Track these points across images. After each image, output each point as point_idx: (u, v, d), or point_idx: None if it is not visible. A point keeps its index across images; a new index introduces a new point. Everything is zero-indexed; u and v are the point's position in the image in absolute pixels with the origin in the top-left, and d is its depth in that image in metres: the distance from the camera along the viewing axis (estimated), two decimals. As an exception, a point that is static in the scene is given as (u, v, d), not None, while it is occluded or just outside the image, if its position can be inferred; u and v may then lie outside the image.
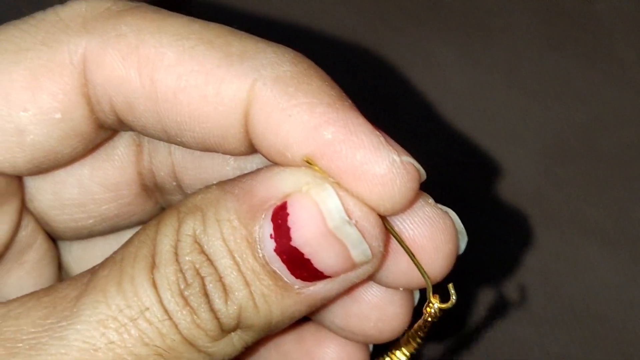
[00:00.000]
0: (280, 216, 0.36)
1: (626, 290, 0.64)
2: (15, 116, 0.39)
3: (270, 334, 0.39)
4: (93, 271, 0.38)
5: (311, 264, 0.37)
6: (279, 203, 0.37)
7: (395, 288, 0.42)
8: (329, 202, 0.36)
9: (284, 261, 0.37)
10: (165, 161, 0.45)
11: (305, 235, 0.36)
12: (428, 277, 0.40)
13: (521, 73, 0.71)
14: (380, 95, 0.71)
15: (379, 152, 0.37)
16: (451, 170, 0.68)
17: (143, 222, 0.47)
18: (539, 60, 0.71)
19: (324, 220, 0.36)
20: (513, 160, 0.68)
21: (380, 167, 0.37)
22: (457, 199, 0.68)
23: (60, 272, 0.48)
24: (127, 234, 0.45)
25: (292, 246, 0.36)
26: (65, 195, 0.44)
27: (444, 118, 0.70)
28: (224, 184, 0.38)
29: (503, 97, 0.70)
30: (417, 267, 0.39)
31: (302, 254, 0.37)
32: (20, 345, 0.36)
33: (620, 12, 0.72)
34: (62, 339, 0.36)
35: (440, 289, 0.40)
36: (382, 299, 0.43)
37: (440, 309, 0.40)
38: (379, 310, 0.43)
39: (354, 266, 0.38)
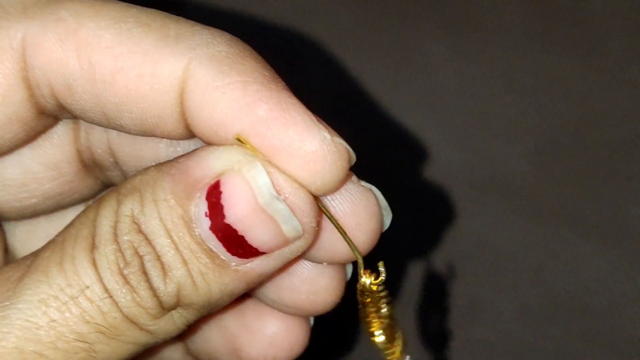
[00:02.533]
0: (214, 194, 0.37)
1: (620, 286, 0.64)
2: None
3: (211, 311, 0.40)
4: (36, 253, 0.39)
5: (245, 240, 0.38)
6: (212, 182, 0.37)
7: (319, 262, 0.43)
8: (259, 178, 0.37)
9: (219, 239, 0.38)
10: (101, 138, 0.45)
11: (237, 212, 0.37)
12: (359, 252, 0.40)
13: (516, 71, 0.71)
14: (374, 93, 0.71)
15: (310, 130, 0.37)
16: (445, 167, 0.68)
17: (86, 199, 0.49)
18: (533, 57, 0.71)
19: (255, 197, 0.37)
20: (507, 157, 0.68)
21: (312, 143, 0.37)
22: (452, 197, 0.68)
23: (7, 256, 0.48)
24: (70, 215, 0.46)
25: (226, 224, 0.37)
26: (6, 175, 0.45)
27: (438, 115, 0.70)
28: (162, 165, 0.39)
29: (497, 95, 0.70)
30: (348, 243, 0.40)
31: (236, 231, 0.37)
32: None
33: (615, 9, 0.72)
34: (4, 318, 0.37)
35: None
36: (313, 272, 0.44)
37: (372, 284, 0.41)
38: (309, 283, 0.44)
39: (286, 242, 0.38)
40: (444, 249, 0.66)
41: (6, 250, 0.49)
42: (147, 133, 0.41)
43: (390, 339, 0.44)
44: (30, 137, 0.43)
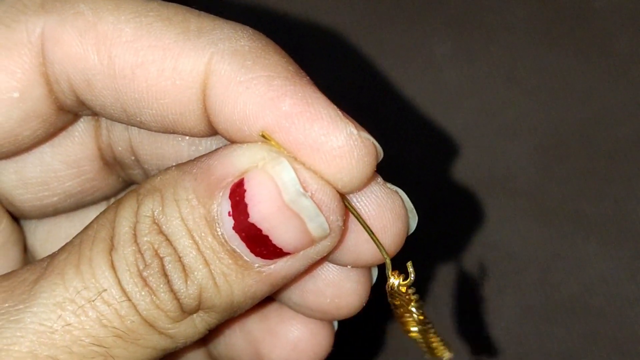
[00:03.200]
0: (237, 193, 0.36)
1: (625, 286, 0.63)
2: None
3: (233, 315, 0.39)
4: (52, 255, 0.38)
5: (270, 240, 0.37)
6: (236, 180, 0.36)
7: (344, 265, 0.42)
8: (284, 175, 0.36)
9: (242, 239, 0.36)
10: (122, 136, 0.45)
11: (262, 210, 0.36)
12: (387, 254, 0.39)
13: (519, 70, 0.71)
14: (376, 92, 0.71)
15: (337, 124, 0.36)
16: (448, 166, 0.68)
17: (108, 197, 0.48)
18: (536, 57, 0.71)
19: (280, 194, 0.36)
20: (511, 157, 0.68)
21: (338, 139, 0.36)
22: (455, 195, 0.68)
23: (26, 255, 0.48)
24: (92, 214, 0.45)
25: (250, 223, 0.36)
26: (27, 174, 0.44)
27: (441, 114, 0.70)
28: (183, 165, 0.38)
29: (501, 94, 0.70)
30: (376, 243, 0.39)
31: (260, 231, 0.36)
32: None
33: (619, 9, 0.72)
34: (18, 322, 0.36)
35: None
36: (338, 275, 0.43)
37: (400, 286, 0.40)
38: (334, 287, 0.43)
39: (312, 241, 0.37)
40: (446, 247, 0.66)
41: (25, 250, 0.48)
42: (168, 130, 0.40)
43: (426, 337, 0.43)
44: (49, 134, 0.43)
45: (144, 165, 0.45)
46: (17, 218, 0.47)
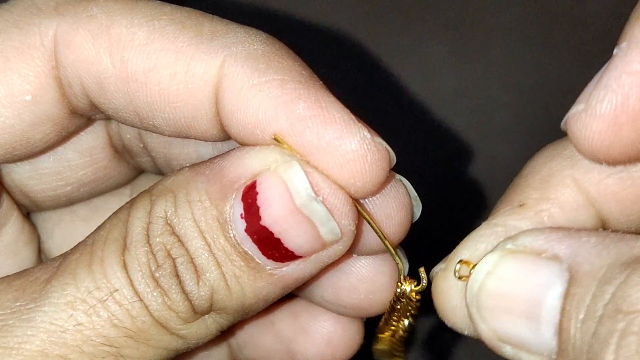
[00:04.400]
0: (249, 195, 0.36)
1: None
2: None
3: (245, 317, 0.39)
4: (65, 255, 0.38)
5: (282, 243, 0.37)
6: (248, 182, 0.36)
7: (371, 254, 0.42)
8: (296, 179, 0.36)
9: (254, 241, 0.37)
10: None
11: (274, 214, 0.36)
12: (400, 259, 0.40)
13: (515, 71, 0.71)
14: (374, 93, 0.71)
15: (350, 128, 0.36)
16: (444, 168, 0.68)
17: (119, 186, 0.48)
18: (533, 58, 0.71)
19: (292, 198, 0.36)
20: (506, 158, 0.68)
21: (352, 142, 0.36)
22: (450, 196, 0.68)
23: (41, 259, 0.48)
24: (107, 216, 0.46)
25: (262, 226, 0.36)
26: (41, 164, 0.45)
27: (438, 116, 0.70)
28: (196, 166, 0.38)
29: (496, 96, 0.70)
30: (388, 248, 0.39)
31: (272, 234, 0.36)
32: None
33: (614, 11, 0.72)
34: (30, 321, 0.36)
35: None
36: (371, 270, 0.43)
37: (412, 292, 0.40)
38: (368, 282, 0.43)
39: (324, 245, 0.37)
40: (444, 251, 0.66)
41: (40, 253, 0.48)
42: (180, 134, 0.40)
43: (392, 351, 0.43)
44: (62, 137, 0.42)
45: (152, 153, 0.45)
46: (29, 218, 0.47)
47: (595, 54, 0.71)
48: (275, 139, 0.37)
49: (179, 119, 0.39)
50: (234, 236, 0.37)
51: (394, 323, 0.42)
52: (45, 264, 0.38)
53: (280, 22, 0.73)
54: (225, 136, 0.40)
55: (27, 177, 0.45)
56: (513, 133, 0.69)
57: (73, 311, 0.36)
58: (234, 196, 0.37)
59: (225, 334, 0.45)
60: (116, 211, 0.39)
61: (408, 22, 0.72)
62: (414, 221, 0.41)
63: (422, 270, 0.40)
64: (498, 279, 0.34)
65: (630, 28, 0.32)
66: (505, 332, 0.33)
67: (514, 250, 0.35)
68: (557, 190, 0.37)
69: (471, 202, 0.67)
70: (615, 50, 0.33)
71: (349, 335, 0.46)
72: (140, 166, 0.47)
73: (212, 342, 0.47)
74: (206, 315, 0.38)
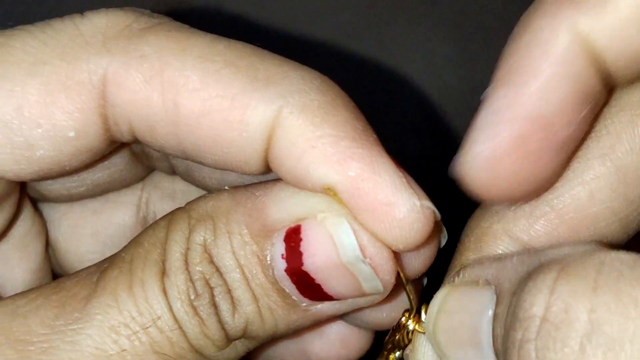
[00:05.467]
0: (293, 239, 0.37)
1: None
2: (26, 130, 0.38)
3: (273, 340, 0.40)
4: (101, 269, 0.38)
5: (322, 289, 0.37)
6: (292, 225, 0.37)
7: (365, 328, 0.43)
8: (344, 237, 0.37)
9: (293, 282, 0.37)
10: None
11: (317, 262, 0.37)
12: (414, 304, 0.40)
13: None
14: (376, 93, 0.70)
15: (401, 195, 0.37)
16: (447, 167, 0.68)
17: (133, 183, 0.48)
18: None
19: (337, 253, 0.37)
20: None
21: (401, 210, 0.37)
22: (453, 197, 0.69)
23: (47, 249, 0.47)
24: (118, 212, 0.46)
25: (303, 270, 0.37)
26: None
27: (440, 116, 0.70)
28: (237, 194, 0.38)
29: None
30: (409, 299, 0.40)
31: (313, 279, 0.37)
32: (32, 348, 0.36)
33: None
34: (74, 344, 0.36)
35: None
36: (345, 331, 0.44)
37: (415, 329, 0.41)
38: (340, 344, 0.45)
39: (364, 295, 0.38)
40: (444, 252, 0.66)
41: (48, 243, 0.47)
42: (225, 169, 0.40)
43: None
44: (97, 161, 0.42)
45: (173, 161, 0.45)
46: (37, 208, 0.47)
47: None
48: (327, 189, 0.37)
49: (229, 161, 0.39)
50: (273, 274, 0.37)
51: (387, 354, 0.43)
52: (81, 278, 0.38)
53: (283, 21, 0.72)
54: (268, 171, 0.40)
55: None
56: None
57: (117, 336, 0.36)
58: (276, 235, 0.37)
59: None
60: (152, 226, 0.39)
61: (411, 22, 0.72)
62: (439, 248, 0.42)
63: (424, 307, 0.40)
64: (446, 313, 0.36)
65: (498, 70, 0.34)
66: None
67: (457, 284, 0.36)
68: (490, 247, 0.38)
69: (472, 202, 0.68)
70: (482, 96, 0.35)
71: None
72: (155, 166, 0.47)
73: None
74: (238, 344, 0.39)
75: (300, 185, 0.38)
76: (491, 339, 0.33)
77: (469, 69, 0.71)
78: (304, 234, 0.37)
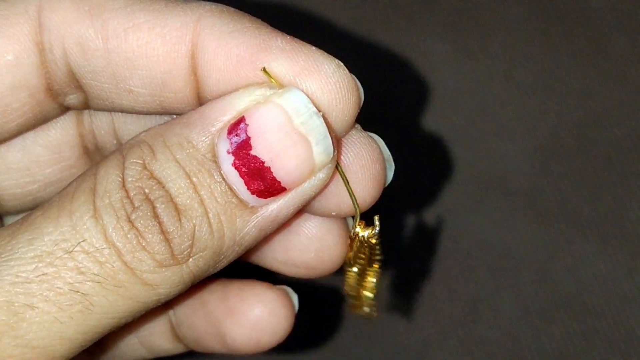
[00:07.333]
0: (237, 129, 0.37)
1: (622, 285, 0.63)
2: None
3: (218, 268, 0.39)
4: (29, 214, 0.38)
5: (270, 172, 0.37)
6: (233, 120, 0.37)
7: (328, 216, 0.43)
8: (295, 99, 0.37)
9: (241, 175, 0.37)
10: (106, 118, 0.46)
11: (268, 139, 0.37)
12: (358, 204, 0.41)
13: (516, 69, 0.71)
14: (374, 91, 0.70)
15: (325, 56, 0.39)
16: (445, 166, 0.68)
17: None
18: (534, 56, 0.71)
19: (289, 120, 0.37)
20: (508, 157, 0.68)
21: (331, 65, 0.38)
22: (452, 195, 0.68)
23: None
24: None
25: (252, 155, 0.37)
26: (9, 158, 0.45)
27: (439, 114, 0.70)
28: (166, 122, 0.39)
29: (498, 93, 0.70)
30: (349, 193, 0.40)
31: (262, 162, 0.37)
32: None
33: (616, 8, 0.72)
34: None
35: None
36: (321, 229, 0.44)
37: (365, 237, 0.42)
38: (318, 241, 0.44)
39: (312, 171, 0.38)
40: (444, 247, 0.66)
41: None
42: (154, 98, 0.41)
43: (361, 290, 0.44)
44: (34, 120, 0.43)
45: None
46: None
47: (598, 52, 0.71)
48: (264, 70, 0.38)
49: (156, 74, 0.40)
50: (220, 172, 0.37)
51: (360, 273, 0.44)
52: (9, 225, 0.38)
53: (281, 20, 0.72)
54: (200, 104, 0.41)
55: None
56: (514, 130, 0.69)
57: (39, 263, 0.36)
58: (218, 133, 0.37)
59: (165, 306, 0.46)
60: (82, 173, 0.39)
61: (408, 20, 0.72)
62: (386, 184, 0.42)
63: (376, 217, 0.41)
64: None
65: None
66: None
67: None
68: None
69: (472, 200, 0.67)
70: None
71: (277, 320, 0.46)
72: None
73: (154, 314, 0.48)
74: (183, 265, 0.37)
75: (234, 77, 0.39)
76: None
77: (466, 67, 0.71)
78: (249, 120, 0.37)
